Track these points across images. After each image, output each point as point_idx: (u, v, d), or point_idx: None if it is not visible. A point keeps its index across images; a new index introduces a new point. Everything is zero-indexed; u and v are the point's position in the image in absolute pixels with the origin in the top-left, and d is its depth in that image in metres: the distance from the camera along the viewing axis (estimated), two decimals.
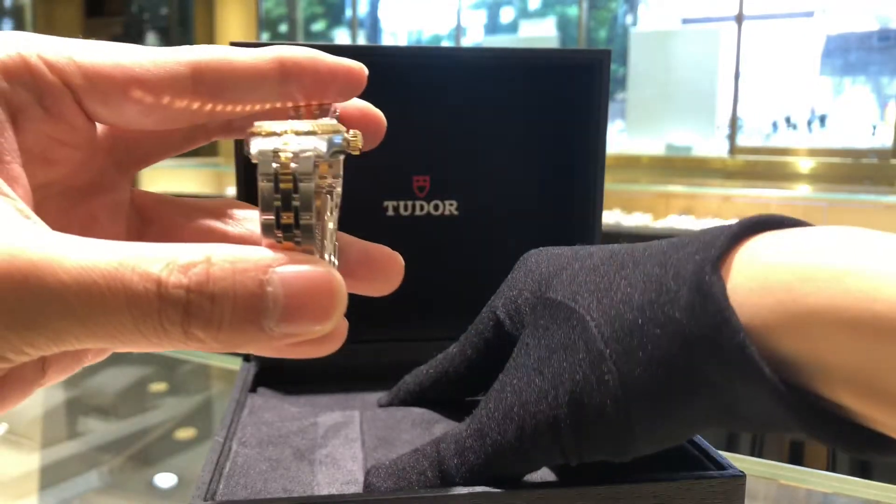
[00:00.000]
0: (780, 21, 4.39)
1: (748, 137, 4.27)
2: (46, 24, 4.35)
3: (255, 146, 0.23)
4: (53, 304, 0.20)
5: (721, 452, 0.34)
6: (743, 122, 4.14)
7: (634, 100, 4.18)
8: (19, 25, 4.29)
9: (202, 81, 0.26)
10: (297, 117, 0.28)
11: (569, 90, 0.52)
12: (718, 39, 4.08)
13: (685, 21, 4.44)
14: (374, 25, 5.33)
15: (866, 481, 0.57)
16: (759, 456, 1.23)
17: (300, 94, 0.28)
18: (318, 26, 5.61)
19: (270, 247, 0.23)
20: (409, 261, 0.29)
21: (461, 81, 0.52)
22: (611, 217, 3.47)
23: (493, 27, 5.47)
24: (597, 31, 4.87)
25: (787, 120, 4.44)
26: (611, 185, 3.41)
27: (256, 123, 0.24)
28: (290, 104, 0.28)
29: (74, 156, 0.28)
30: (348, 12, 5.03)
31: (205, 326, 0.21)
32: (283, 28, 5.11)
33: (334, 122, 0.25)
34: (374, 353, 0.48)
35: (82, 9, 4.44)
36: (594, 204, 0.49)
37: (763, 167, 3.84)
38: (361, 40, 5.13)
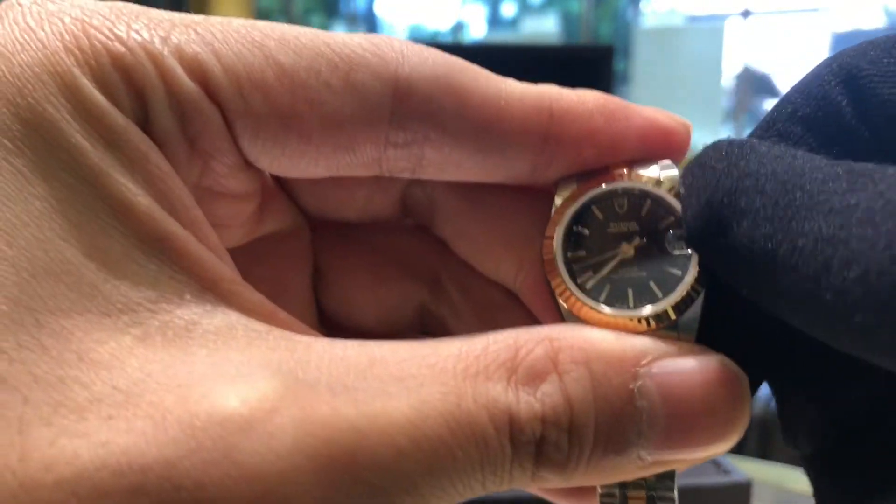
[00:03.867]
0: (786, 17, 4.36)
1: None
2: None
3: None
4: (393, 486, 0.15)
5: (726, 455, 0.30)
6: (750, 119, 4.12)
7: (639, 97, 4.16)
8: None
9: (406, 114, 0.18)
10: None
11: (571, 86, 0.50)
12: (723, 36, 4.06)
13: (690, 18, 4.41)
14: (371, 20, 5.29)
15: None
16: (765, 458, 1.19)
17: (559, 163, 0.20)
18: (315, 21, 5.58)
19: (609, 323, 0.18)
20: None
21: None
22: None
23: (494, 23, 5.44)
24: (599, 27, 4.83)
25: None
26: None
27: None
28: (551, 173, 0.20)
29: (239, 211, 0.20)
30: (344, 6, 5.00)
31: (559, 469, 0.16)
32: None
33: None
34: None
35: None
36: None
37: None
38: None
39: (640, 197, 0.20)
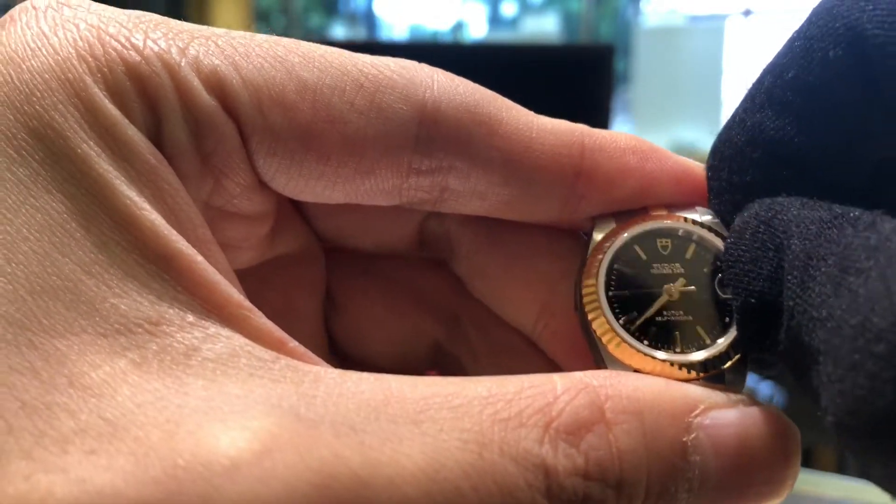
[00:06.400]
0: (787, 16, 4.35)
1: None
2: None
3: None
4: None
5: None
6: None
7: (639, 96, 4.15)
8: None
9: (432, 140, 0.18)
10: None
11: (571, 86, 0.50)
12: (723, 36, 4.05)
13: (690, 18, 4.40)
14: (370, 19, 5.28)
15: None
16: None
17: (590, 202, 0.19)
18: (314, 20, 5.57)
19: (654, 369, 0.16)
20: None
21: (461, 77, 0.52)
22: None
23: (494, 22, 5.43)
24: (600, 27, 4.83)
25: None
26: None
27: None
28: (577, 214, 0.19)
29: (251, 233, 0.19)
30: (343, 6, 5.00)
31: None
32: (280, 22, 5.07)
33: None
34: None
35: None
36: None
37: None
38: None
39: (684, 239, 0.19)
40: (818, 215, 0.16)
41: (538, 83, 0.51)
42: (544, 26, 4.54)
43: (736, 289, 0.17)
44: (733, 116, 0.19)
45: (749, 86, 0.19)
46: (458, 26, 5.00)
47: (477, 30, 5.29)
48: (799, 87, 0.18)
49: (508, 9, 5.47)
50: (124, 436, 0.13)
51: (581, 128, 0.19)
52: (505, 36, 5.12)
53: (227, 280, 0.16)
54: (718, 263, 0.19)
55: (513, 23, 5.30)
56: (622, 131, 0.20)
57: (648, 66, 4.17)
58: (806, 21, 0.18)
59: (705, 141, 4.19)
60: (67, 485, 0.13)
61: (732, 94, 4.01)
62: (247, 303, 0.16)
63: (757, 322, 0.17)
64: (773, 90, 0.18)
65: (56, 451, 0.13)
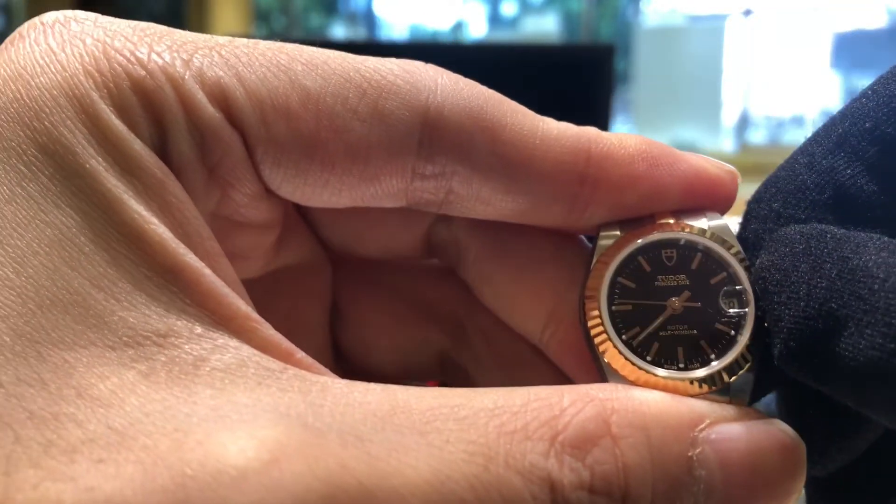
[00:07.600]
0: (787, 16, 4.35)
1: (756, 134, 4.24)
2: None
3: None
4: None
5: None
6: (750, 119, 4.12)
7: (640, 96, 4.16)
8: (9, 22, 4.25)
9: (435, 146, 0.18)
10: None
11: (572, 86, 0.50)
12: (723, 36, 4.06)
13: (690, 17, 4.41)
14: (370, 19, 5.28)
15: None
16: None
17: (596, 209, 0.19)
18: (314, 20, 5.57)
19: (657, 384, 0.17)
20: None
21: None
22: None
23: (494, 22, 5.43)
24: (600, 26, 4.83)
25: (796, 117, 4.41)
26: None
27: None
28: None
29: (259, 242, 0.19)
30: (343, 5, 5.00)
31: None
32: (280, 22, 5.07)
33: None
34: None
35: (74, 1, 4.41)
36: None
37: (771, 165, 3.78)
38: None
39: (690, 249, 0.19)
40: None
41: (538, 83, 0.50)
42: (544, 26, 4.54)
43: (780, 309, 0.17)
44: (795, 155, 0.19)
45: (819, 128, 0.19)
46: (458, 26, 5.01)
47: (477, 29, 5.29)
48: (876, 139, 0.18)
49: (508, 8, 5.47)
50: (132, 445, 0.13)
51: (589, 134, 0.19)
52: (505, 36, 5.12)
53: (235, 292, 0.16)
54: (724, 275, 0.19)
55: (513, 22, 5.30)
56: (628, 133, 0.20)
57: (648, 66, 4.17)
58: (888, 73, 0.18)
59: (705, 140, 4.21)
60: (76, 493, 0.13)
61: (732, 94, 4.02)
62: (255, 315, 0.16)
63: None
64: (847, 137, 0.18)
65: (64, 460, 0.13)
